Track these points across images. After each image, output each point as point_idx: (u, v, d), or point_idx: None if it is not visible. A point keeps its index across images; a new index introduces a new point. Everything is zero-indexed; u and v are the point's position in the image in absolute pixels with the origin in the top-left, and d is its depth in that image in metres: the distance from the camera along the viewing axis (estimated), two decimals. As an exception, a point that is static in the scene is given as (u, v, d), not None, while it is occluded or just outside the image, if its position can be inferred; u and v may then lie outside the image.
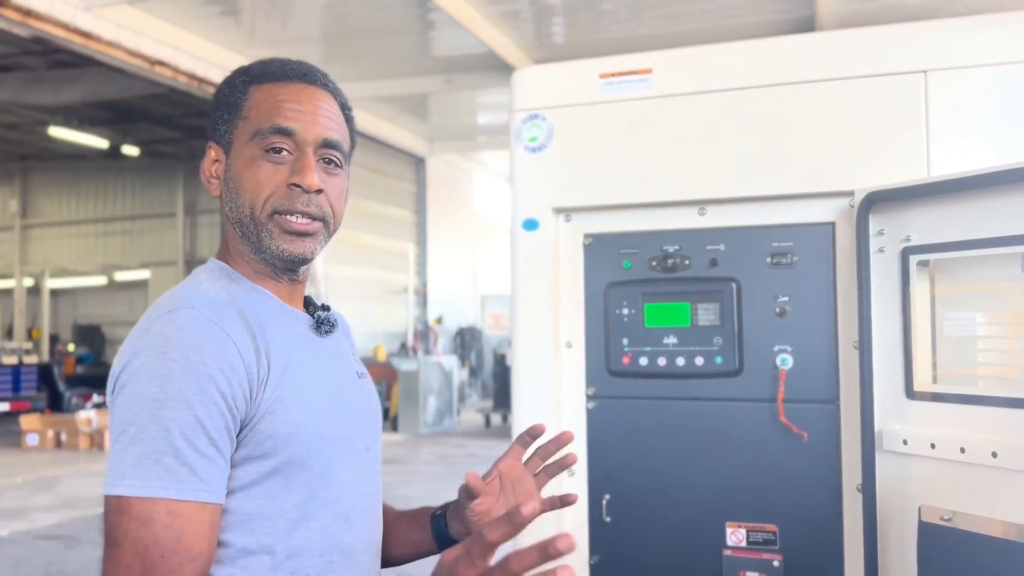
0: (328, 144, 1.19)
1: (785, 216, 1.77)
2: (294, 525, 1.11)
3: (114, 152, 16.56)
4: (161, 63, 9.74)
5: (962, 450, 1.42)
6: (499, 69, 10.71)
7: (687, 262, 1.83)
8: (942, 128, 1.65)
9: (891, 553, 1.56)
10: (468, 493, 1.23)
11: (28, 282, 20.19)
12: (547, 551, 0.87)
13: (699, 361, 1.80)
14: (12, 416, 12.78)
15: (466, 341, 17.93)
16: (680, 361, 1.81)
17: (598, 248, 1.91)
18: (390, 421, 12.80)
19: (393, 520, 1.40)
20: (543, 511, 1.27)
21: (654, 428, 1.84)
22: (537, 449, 1.32)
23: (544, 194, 1.93)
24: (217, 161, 1.22)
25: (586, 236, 1.92)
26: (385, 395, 12.83)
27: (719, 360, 1.78)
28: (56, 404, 13.53)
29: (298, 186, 1.16)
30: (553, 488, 1.37)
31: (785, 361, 1.74)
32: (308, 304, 1.29)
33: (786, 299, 1.75)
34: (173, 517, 1.00)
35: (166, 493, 1.00)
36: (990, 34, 1.68)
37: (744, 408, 1.77)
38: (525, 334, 1.93)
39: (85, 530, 6.92)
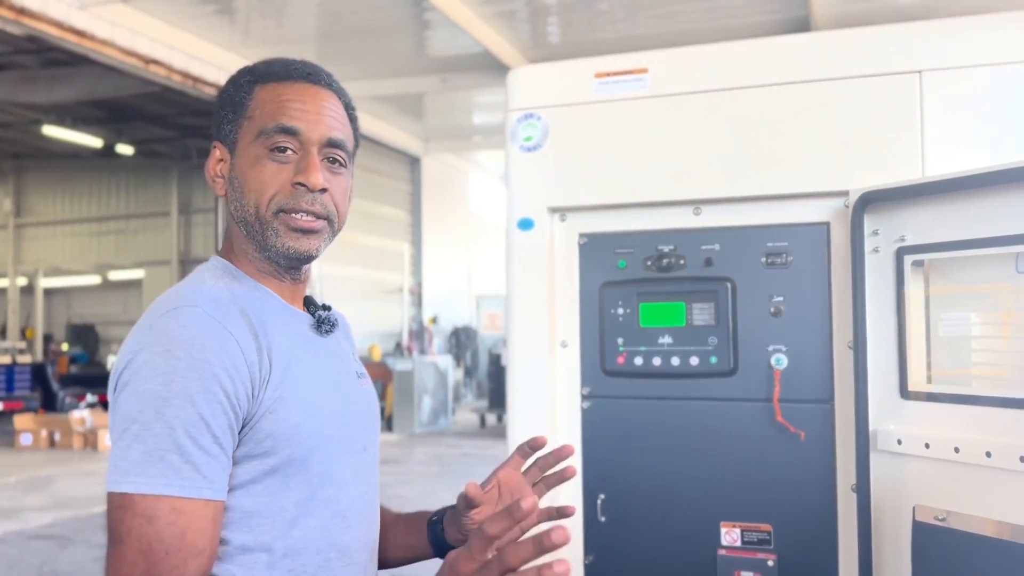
0: (332, 144, 1.20)
1: (780, 216, 1.77)
2: (292, 523, 1.12)
3: (108, 151, 16.52)
4: (155, 62, 9.73)
5: (956, 450, 1.42)
6: (495, 69, 10.72)
7: (682, 262, 1.83)
8: (937, 128, 1.66)
9: (885, 553, 1.56)
10: (467, 503, 1.24)
11: (22, 281, 20.14)
12: (542, 544, 0.88)
13: (694, 361, 1.80)
14: (6, 416, 12.76)
15: (461, 341, 17.93)
16: (675, 361, 1.81)
17: (593, 248, 1.90)
18: (385, 421, 12.79)
19: (390, 522, 1.41)
20: (540, 521, 1.28)
21: (649, 428, 1.83)
22: (536, 460, 1.32)
23: (539, 194, 1.93)
24: (222, 160, 1.22)
25: (581, 236, 1.92)
26: (380, 395, 12.82)
27: (714, 360, 1.78)
28: (50, 404, 13.50)
29: (303, 185, 1.16)
30: (550, 493, 1.37)
31: (780, 361, 1.74)
32: (309, 303, 1.30)
33: (781, 299, 1.75)
34: (177, 514, 1.00)
35: (170, 490, 1.00)
36: (985, 35, 1.68)
37: (739, 408, 1.77)
38: (520, 334, 1.93)
39: (78, 530, 6.90)
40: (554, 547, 0.88)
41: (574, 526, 1.86)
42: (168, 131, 15.89)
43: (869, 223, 1.60)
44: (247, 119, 1.19)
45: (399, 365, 13.02)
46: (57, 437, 11.52)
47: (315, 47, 10.62)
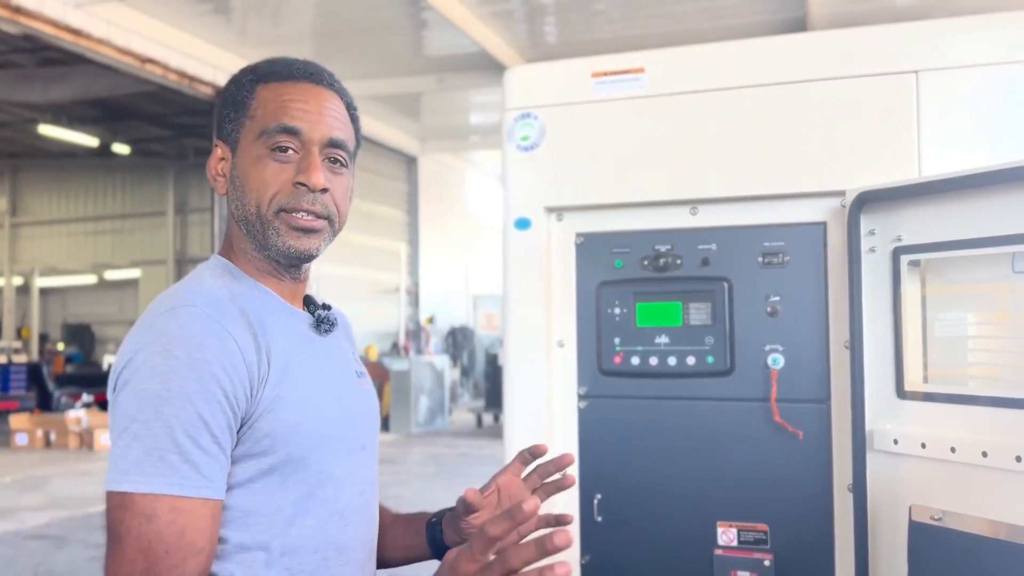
0: (333, 144, 1.20)
1: (776, 216, 1.77)
2: (289, 522, 1.12)
3: (104, 150, 16.49)
4: (151, 61, 9.71)
5: (952, 450, 1.42)
6: (491, 69, 10.71)
7: (679, 261, 1.83)
8: (933, 128, 1.66)
9: (882, 552, 1.57)
10: (466, 507, 1.24)
11: (17, 281, 20.10)
12: (544, 546, 0.89)
13: (691, 361, 1.80)
14: (1, 415, 12.72)
15: (458, 341, 17.92)
16: (672, 361, 1.81)
17: (590, 247, 1.90)
18: (382, 421, 12.77)
19: (389, 523, 1.41)
20: (538, 528, 1.28)
21: (646, 428, 1.83)
22: (537, 467, 1.33)
23: (536, 193, 1.93)
24: (223, 159, 1.23)
25: (578, 235, 1.91)
26: (377, 395, 12.79)
27: (711, 360, 1.78)
28: (45, 403, 13.47)
29: (304, 185, 1.16)
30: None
31: (776, 361, 1.74)
32: (309, 303, 1.30)
33: (777, 299, 1.75)
34: (176, 513, 1.01)
35: (169, 489, 1.01)
36: (981, 35, 1.68)
37: (735, 408, 1.77)
38: (517, 333, 1.93)
39: (74, 530, 6.89)
40: (556, 549, 0.88)
41: (570, 526, 1.86)
42: (164, 130, 15.87)
43: (865, 223, 1.60)
44: (249, 118, 1.20)
45: (396, 365, 13.01)
46: (53, 437, 11.49)
47: (311, 46, 10.61)
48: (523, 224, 1.93)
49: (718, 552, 1.77)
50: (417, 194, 17.20)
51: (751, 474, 1.75)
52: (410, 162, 17.09)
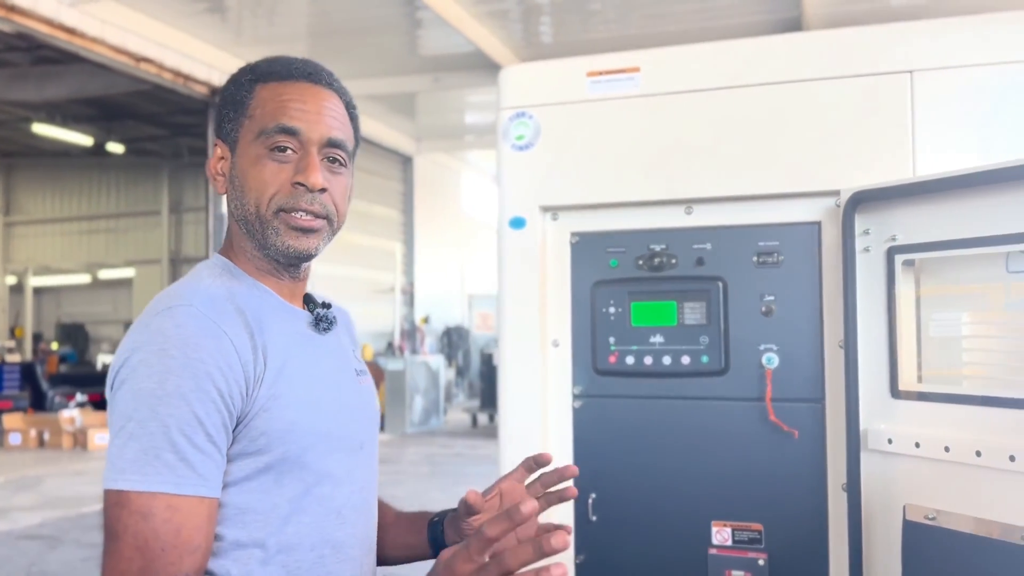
0: (332, 143, 1.21)
1: (771, 215, 1.77)
2: (285, 520, 1.13)
3: (99, 149, 16.43)
4: (146, 60, 9.69)
5: (946, 449, 1.42)
6: (487, 68, 10.71)
7: (674, 261, 1.83)
8: (928, 128, 1.66)
9: (876, 552, 1.57)
10: (467, 509, 1.24)
11: (11, 280, 20.03)
12: (541, 547, 0.89)
13: (685, 360, 1.80)
14: (-5, 415, 12.67)
15: (453, 340, 17.91)
16: (666, 360, 1.81)
17: (585, 247, 1.90)
18: (376, 420, 12.75)
19: (391, 521, 1.42)
20: (537, 536, 1.28)
21: (640, 427, 1.83)
22: (540, 476, 1.33)
23: (531, 192, 1.93)
24: (223, 159, 1.23)
25: (573, 235, 1.91)
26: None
27: (705, 359, 1.78)
28: (39, 403, 13.42)
29: (302, 185, 1.17)
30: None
31: (771, 360, 1.74)
32: (309, 301, 1.31)
33: (772, 298, 1.76)
34: (172, 511, 1.02)
35: (165, 488, 1.02)
36: (976, 35, 1.69)
37: (730, 407, 1.77)
38: (512, 333, 1.93)
39: (68, 530, 6.87)
40: (553, 551, 0.89)
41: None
42: (159, 129, 15.83)
43: (860, 222, 1.60)
44: (248, 118, 1.20)
45: (391, 365, 13.00)
46: (46, 437, 11.46)
47: (307, 45, 10.59)
48: (518, 223, 1.93)
49: (712, 551, 1.77)
50: (412, 194, 17.18)
51: (745, 473, 1.75)
52: (405, 162, 17.07)
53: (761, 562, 1.73)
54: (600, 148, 1.88)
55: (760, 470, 1.74)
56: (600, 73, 1.89)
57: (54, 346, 19.22)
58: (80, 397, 12.84)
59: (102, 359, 18.83)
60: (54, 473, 9.48)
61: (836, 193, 1.69)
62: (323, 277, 12.90)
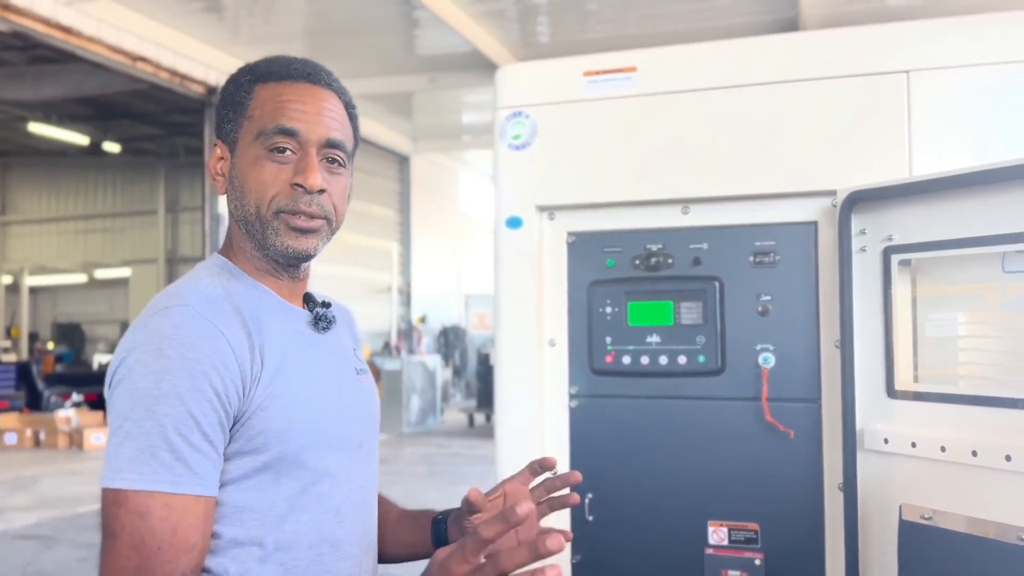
0: (331, 144, 1.21)
1: (768, 215, 1.77)
2: (283, 518, 1.13)
3: (95, 149, 16.41)
4: (143, 59, 9.67)
5: (942, 449, 1.43)
6: (484, 68, 10.71)
7: (670, 261, 1.82)
8: (924, 128, 1.66)
9: (872, 551, 1.57)
10: (469, 507, 1.24)
11: (7, 279, 20.00)
12: (537, 549, 0.89)
13: (682, 360, 1.80)
14: (-10, 415, 12.64)
15: (450, 340, 17.91)
16: (663, 360, 1.81)
17: (581, 246, 1.90)
18: (373, 420, 12.74)
19: (395, 519, 1.43)
20: (551, 509, 1.29)
21: (637, 427, 1.83)
22: (544, 480, 1.34)
23: (527, 192, 1.93)
24: (223, 159, 1.24)
25: (569, 234, 1.91)
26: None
27: (702, 359, 1.78)
28: (35, 403, 13.40)
29: (301, 186, 1.17)
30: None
31: (767, 360, 1.74)
32: (309, 300, 1.31)
33: (768, 298, 1.76)
34: (169, 510, 1.03)
35: (161, 487, 1.03)
36: (972, 35, 1.69)
37: (726, 407, 1.77)
38: (508, 332, 1.93)
39: (63, 530, 6.85)
40: (549, 553, 0.89)
41: (561, 525, 1.85)
42: (155, 129, 15.80)
43: (856, 222, 1.60)
44: (247, 119, 1.21)
45: (387, 365, 13.00)
46: (42, 436, 11.44)
47: (303, 45, 10.58)
48: (515, 223, 1.93)
49: (709, 551, 1.77)
50: (409, 193, 17.17)
51: (742, 473, 1.75)
52: (402, 161, 17.06)
53: (757, 562, 1.73)
54: (597, 148, 1.88)
55: (756, 470, 1.74)
56: (597, 73, 1.89)
57: (50, 346, 19.19)
58: (76, 397, 12.81)
59: (98, 359, 18.81)
60: (50, 473, 9.46)
61: (832, 193, 1.69)
62: (320, 277, 12.81)
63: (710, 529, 1.77)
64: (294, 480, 1.14)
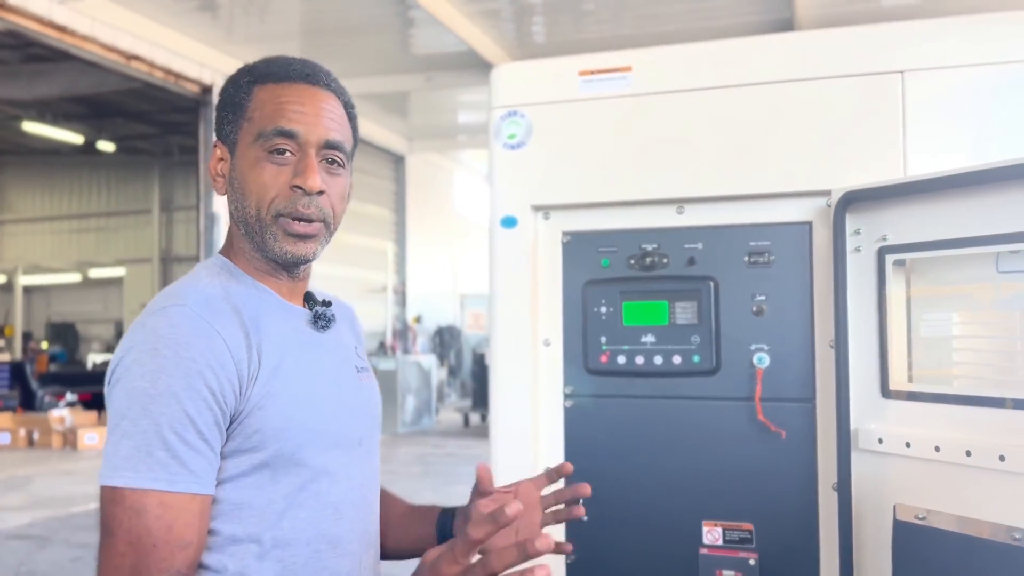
0: (330, 145, 1.21)
1: (762, 215, 1.77)
2: (281, 515, 1.14)
3: (89, 148, 16.36)
4: (137, 58, 9.64)
5: (937, 449, 1.43)
6: (479, 68, 10.70)
7: (665, 260, 1.82)
8: (919, 128, 1.66)
9: (866, 551, 1.57)
10: (478, 483, 1.26)
11: (1, 279, 19.92)
12: (526, 550, 0.90)
13: (676, 360, 1.80)
14: (-17, 414, 12.60)
15: (445, 340, 17.90)
16: (658, 360, 1.81)
17: (576, 246, 1.90)
18: (368, 420, 12.73)
19: (402, 513, 1.45)
20: (558, 502, 1.32)
21: (631, 427, 1.83)
22: (555, 492, 1.35)
23: (523, 191, 1.92)
24: (223, 160, 1.24)
25: (564, 234, 1.91)
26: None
27: (696, 359, 1.78)
28: (28, 402, 13.36)
29: (300, 188, 1.18)
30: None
31: (762, 360, 1.74)
32: (310, 299, 1.32)
33: (763, 298, 1.76)
34: (164, 508, 1.04)
35: (157, 485, 1.04)
36: (967, 35, 1.69)
37: (721, 407, 1.77)
38: (503, 332, 1.92)
39: (57, 530, 6.83)
40: (538, 553, 0.90)
41: (555, 525, 1.85)
42: (150, 128, 15.76)
43: (851, 222, 1.60)
44: (246, 120, 1.21)
45: (382, 364, 12.99)
46: (36, 436, 11.40)
47: (299, 44, 10.56)
48: (510, 223, 1.93)
49: (703, 551, 1.77)
50: (404, 193, 17.16)
51: (737, 473, 1.75)
52: (398, 161, 17.04)
53: (752, 562, 1.74)
54: (592, 147, 1.88)
55: (751, 470, 1.74)
56: (592, 72, 1.88)
57: (44, 345, 19.13)
58: (70, 396, 12.77)
59: (92, 358, 18.74)
60: (43, 473, 9.43)
61: (827, 193, 1.69)
62: (315, 276, 12.72)
63: (705, 529, 1.77)
64: (292, 477, 1.15)
